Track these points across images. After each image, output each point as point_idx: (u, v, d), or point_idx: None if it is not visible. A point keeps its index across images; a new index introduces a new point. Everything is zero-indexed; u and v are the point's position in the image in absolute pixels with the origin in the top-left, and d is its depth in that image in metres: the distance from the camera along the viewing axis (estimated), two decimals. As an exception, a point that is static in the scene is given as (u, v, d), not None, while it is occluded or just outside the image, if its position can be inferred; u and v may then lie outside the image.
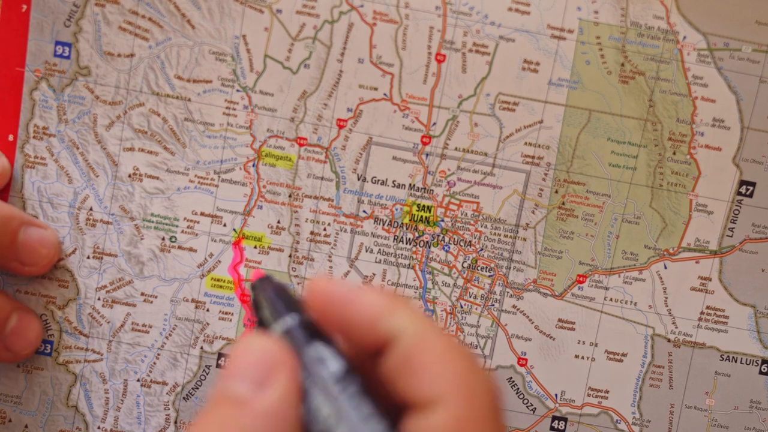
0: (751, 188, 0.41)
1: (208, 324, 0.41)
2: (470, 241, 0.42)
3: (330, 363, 0.22)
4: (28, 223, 0.39)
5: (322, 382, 0.21)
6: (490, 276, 0.42)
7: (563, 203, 0.41)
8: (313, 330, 0.23)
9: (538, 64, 0.40)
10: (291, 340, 0.23)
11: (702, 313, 0.42)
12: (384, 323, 0.21)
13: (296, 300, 0.25)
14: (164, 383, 0.42)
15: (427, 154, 0.41)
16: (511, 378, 0.42)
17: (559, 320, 0.42)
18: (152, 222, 0.41)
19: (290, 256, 0.41)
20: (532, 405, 0.43)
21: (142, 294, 0.41)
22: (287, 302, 0.24)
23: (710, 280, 0.42)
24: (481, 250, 0.42)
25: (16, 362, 0.41)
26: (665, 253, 0.42)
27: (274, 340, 0.22)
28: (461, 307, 0.42)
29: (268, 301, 0.25)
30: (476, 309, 0.42)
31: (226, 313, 0.41)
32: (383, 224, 0.41)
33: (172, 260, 0.41)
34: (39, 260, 0.39)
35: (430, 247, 0.42)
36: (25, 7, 0.39)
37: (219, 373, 0.20)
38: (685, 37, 0.40)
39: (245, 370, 0.21)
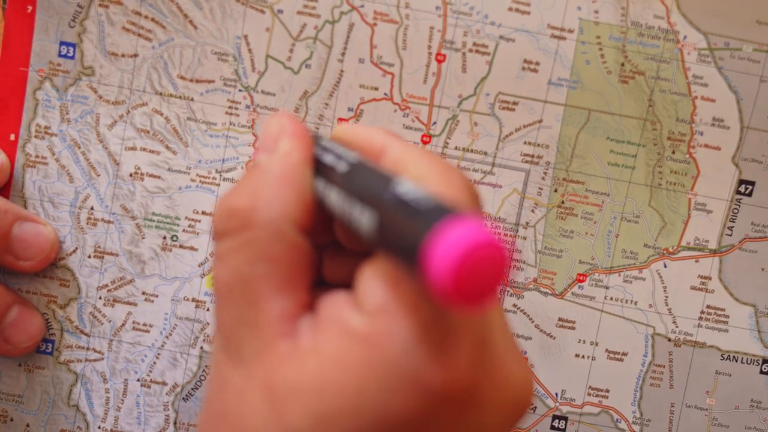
0: (750, 187, 0.41)
1: (208, 323, 0.42)
2: (470, 241, 0.42)
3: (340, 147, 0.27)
4: (23, 218, 0.39)
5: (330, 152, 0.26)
6: (490, 275, 0.42)
7: (563, 202, 0.41)
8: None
9: (538, 63, 0.40)
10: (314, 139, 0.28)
11: (702, 312, 0.42)
12: (377, 139, 0.27)
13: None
14: (164, 383, 0.42)
15: (427, 154, 0.41)
16: (511, 378, 0.42)
17: (560, 319, 0.42)
18: (153, 221, 0.41)
19: (291, 255, 0.41)
20: (532, 404, 0.42)
21: (143, 293, 0.41)
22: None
23: (710, 279, 0.42)
24: (481, 249, 0.42)
25: (16, 356, 0.41)
26: (665, 252, 0.42)
27: (285, 114, 0.28)
28: (461, 306, 0.42)
29: None
30: (476, 308, 0.42)
31: (227, 313, 0.41)
32: (384, 224, 0.41)
33: (173, 259, 0.41)
34: (33, 255, 0.39)
35: (430, 247, 0.42)
36: (30, 8, 0.40)
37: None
38: (685, 37, 0.40)
39: (262, 142, 0.27)
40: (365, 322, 0.22)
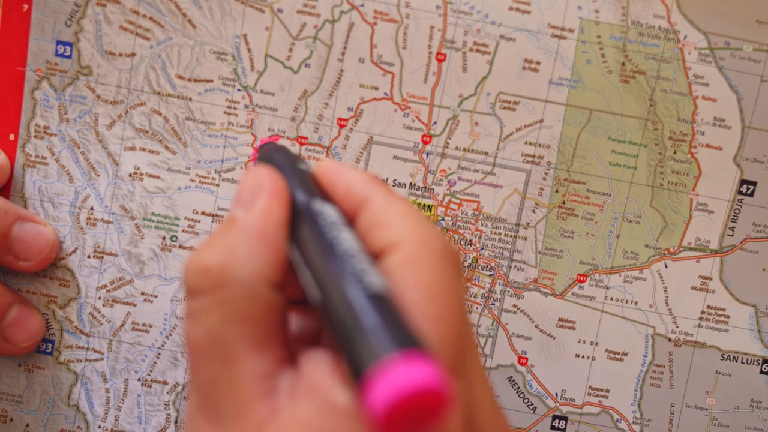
0: (751, 187, 0.41)
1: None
2: (471, 240, 0.42)
3: (326, 207, 0.26)
4: (24, 218, 0.39)
5: (311, 215, 0.25)
6: (490, 275, 0.42)
7: (564, 202, 0.41)
8: (309, 179, 0.27)
9: (538, 63, 0.40)
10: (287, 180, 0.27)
11: (703, 312, 0.42)
12: (359, 189, 0.26)
13: (295, 155, 0.29)
14: (165, 383, 0.42)
15: (427, 154, 0.41)
16: (511, 377, 0.42)
17: (560, 319, 0.42)
18: (153, 221, 0.41)
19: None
20: (532, 404, 0.43)
21: (143, 293, 0.41)
22: (288, 157, 0.29)
23: (711, 279, 0.42)
24: (482, 249, 0.42)
25: (16, 356, 0.41)
26: (666, 252, 0.42)
27: (265, 169, 0.26)
28: (462, 306, 0.42)
29: (271, 158, 0.29)
30: (477, 308, 0.42)
31: (227, 313, 0.41)
32: (384, 223, 0.41)
33: (173, 259, 0.41)
34: (33, 256, 0.39)
35: (430, 247, 0.41)
36: (26, 6, 0.39)
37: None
38: (686, 37, 0.40)
39: (239, 196, 0.26)
40: (350, 399, 0.21)
